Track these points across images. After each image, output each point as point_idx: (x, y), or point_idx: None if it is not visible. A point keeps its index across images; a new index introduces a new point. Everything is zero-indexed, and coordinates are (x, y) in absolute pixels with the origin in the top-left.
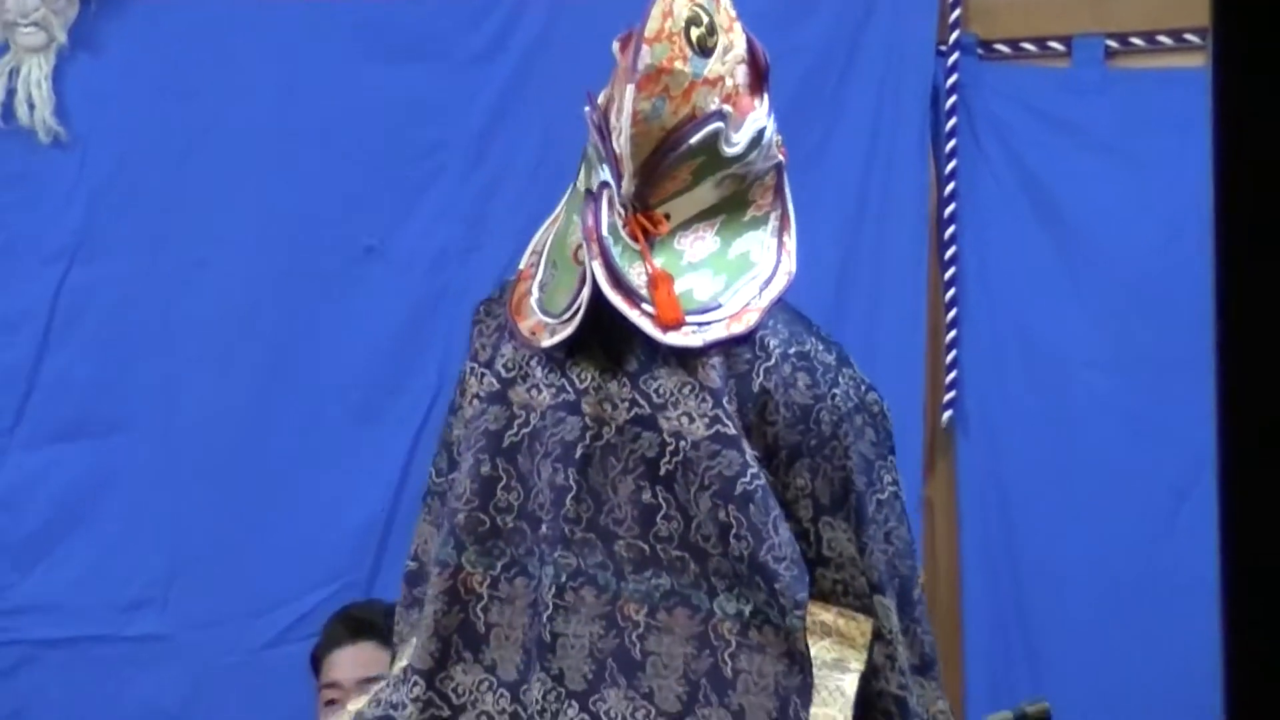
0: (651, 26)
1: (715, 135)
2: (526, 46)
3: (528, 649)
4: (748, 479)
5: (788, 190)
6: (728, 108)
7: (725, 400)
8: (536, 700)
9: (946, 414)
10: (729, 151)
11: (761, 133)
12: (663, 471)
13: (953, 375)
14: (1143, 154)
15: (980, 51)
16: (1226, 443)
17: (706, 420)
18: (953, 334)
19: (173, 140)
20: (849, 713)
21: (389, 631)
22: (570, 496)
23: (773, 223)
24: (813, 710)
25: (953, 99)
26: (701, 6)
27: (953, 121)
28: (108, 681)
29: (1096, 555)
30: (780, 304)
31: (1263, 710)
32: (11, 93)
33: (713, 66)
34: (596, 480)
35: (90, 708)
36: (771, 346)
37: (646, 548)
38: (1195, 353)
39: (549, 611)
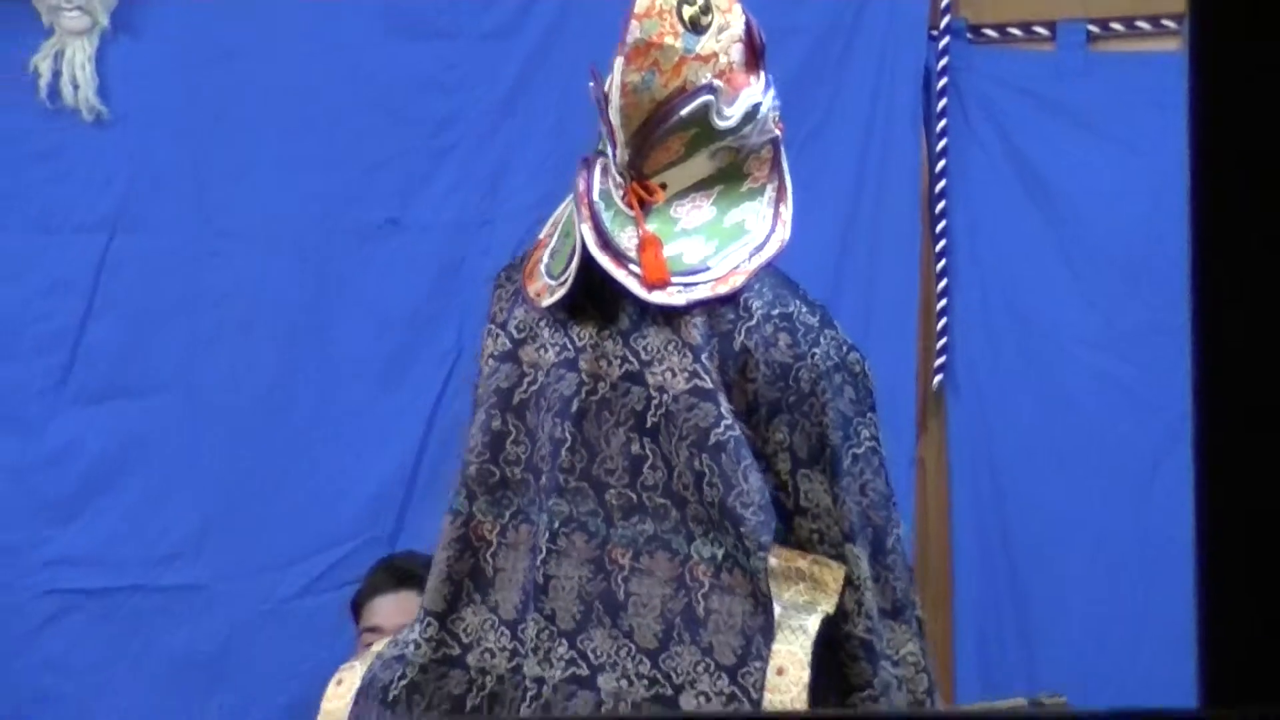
0: (641, 3)
1: (706, 108)
2: (543, 25)
3: (526, 590)
4: (721, 430)
5: (785, 163)
6: (719, 82)
7: (705, 356)
8: (531, 638)
9: (937, 378)
10: (721, 124)
11: (756, 108)
12: (649, 424)
13: (943, 342)
14: (1123, 132)
15: (970, 36)
16: (1202, 410)
17: (686, 375)
18: (943, 303)
19: (206, 118)
20: (809, 648)
21: (420, 583)
22: (565, 448)
23: (769, 193)
24: (775, 647)
25: (944, 80)
26: None
27: (944, 102)
28: (144, 630)
29: (1079, 510)
30: (770, 269)
31: (1235, 655)
32: (57, 74)
33: (705, 43)
34: (591, 433)
35: (128, 654)
36: (755, 308)
37: (634, 496)
38: (1174, 320)
39: (543, 555)
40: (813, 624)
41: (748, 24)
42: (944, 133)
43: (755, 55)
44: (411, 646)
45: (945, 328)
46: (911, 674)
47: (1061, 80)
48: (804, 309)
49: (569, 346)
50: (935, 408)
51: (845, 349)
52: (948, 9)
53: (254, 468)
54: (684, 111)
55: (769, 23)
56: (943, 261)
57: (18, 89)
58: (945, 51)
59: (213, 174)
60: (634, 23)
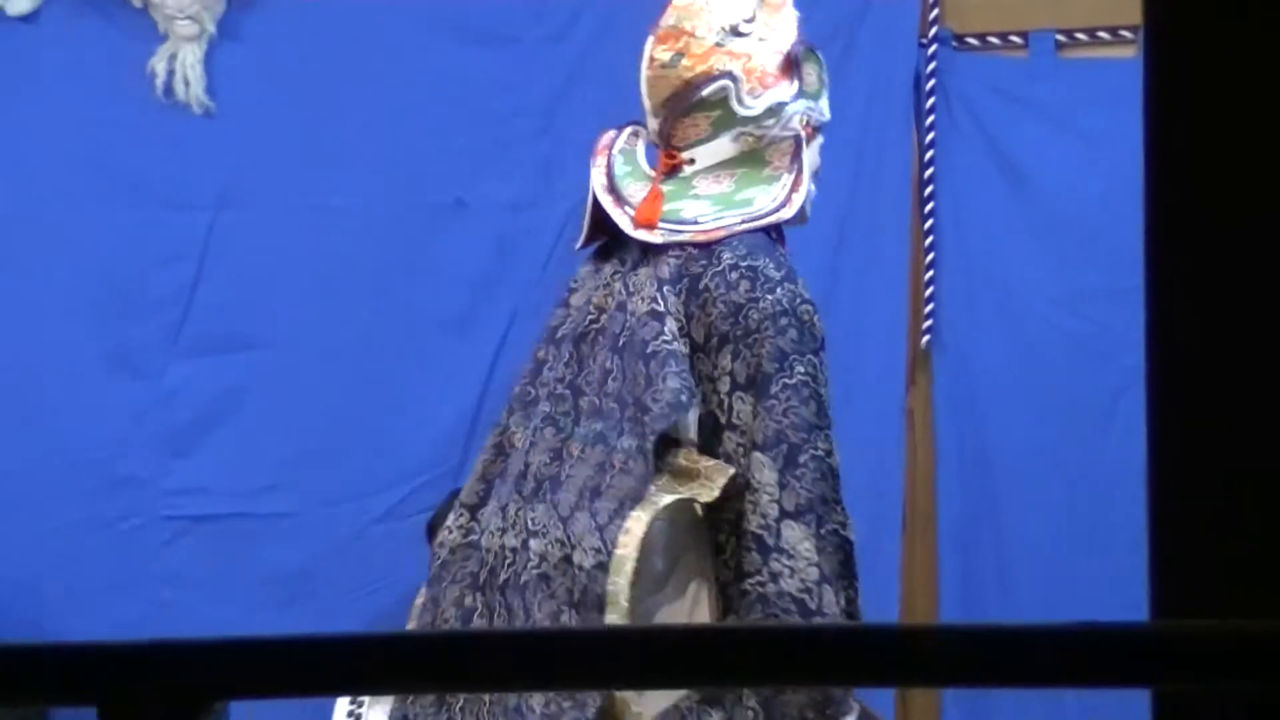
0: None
1: (724, 91)
2: (588, 32)
3: (516, 478)
4: (658, 342)
5: (805, 158)
6: (739, 73)
7: (668, 288)
8: (511, 516)
9: (925, 338)
10: (741, 111)
11: (781, 105)
12: (620, 342)
13: (930, 307)
14: (1086, 126)
15: (954, 43)
16: (1153, 359)
17: (647, 300)
18: (930, 274)
19: (300, 110)
20: (654, 514)
21: None
22: (563, 364)
23: (785, 180)
24: (634, 512)
25: (932, 83)
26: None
27: (931, 101)
28: (246, 550)
29: (1046, 445)
30: (758, 235)
31: (1182, 572)
32: (171, 74)
33: (739, 44)
34: (585, 352)
35: (232, 572)
36: (725, 258)
37: (598, 401)
38: (1126, 283)
39: (527, 447)
40: (666, 499)
41: (787, 37)
42: (932, 127)
43: (791, 65)
44: (446, 533)
45: (931, 295)
46: (803, 566)
47: (1033, 82)
48: (770, 265)
49: (594, 287)
50: (923, 364)
51: (798, 300)
52: (935, 20)
53: (340, 411)
54: (705, 91)
55: None
56: (930, 238)
57: (139, 86)
58: (933, 57)
59: (306, 159)
60: (671, 9)
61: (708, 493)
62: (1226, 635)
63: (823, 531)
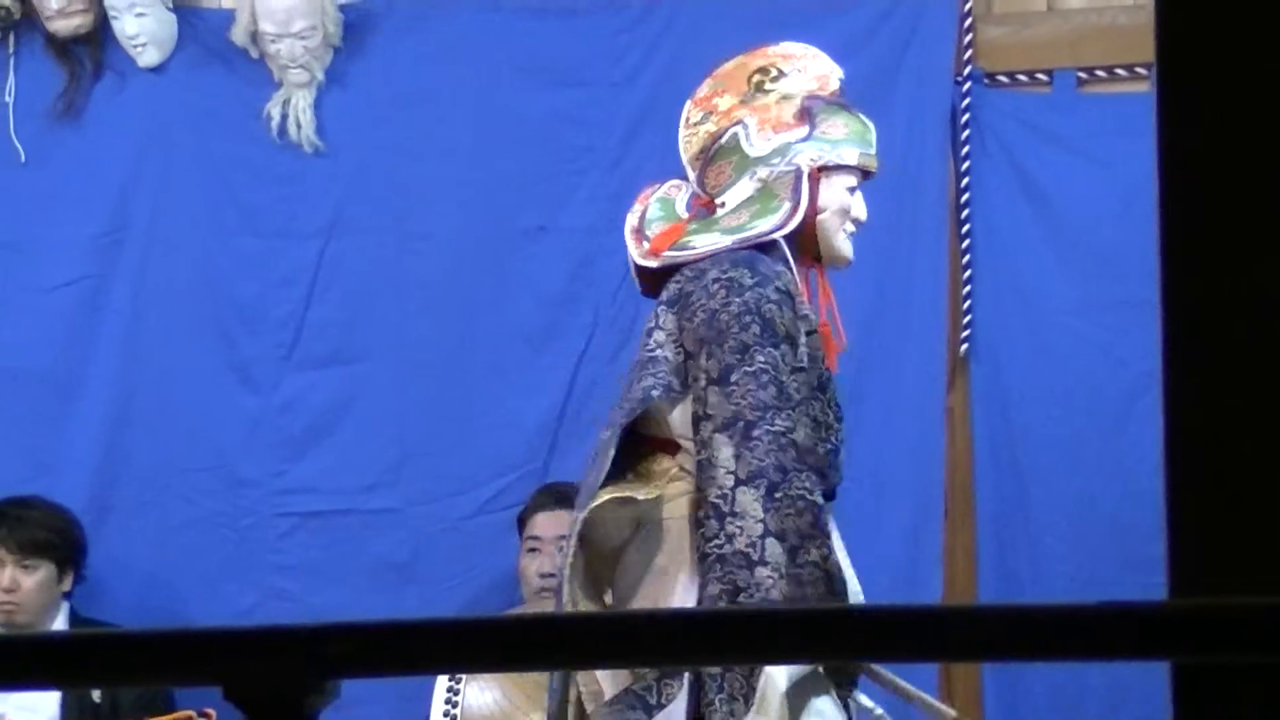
0: (723, 68)
1: (735, 136)
2: (656, 75)
3: None
4: (644, 351)
5: (804, 189)
6: (750, 117)
7: (663, 308)
8: None
9: (963, 346)
10: (750, 152)
11: (788, 145)
12: (632, 362)
13: (967, 318)
14: (1104, 154)
15: (986, 81)
16: (1168, 363)
17: (652, 319)
18: (967, 288)
19: (400, 148)
20: (587, 511)
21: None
22: (623, 382)
23: (785, 206)
24: (580, 514)
25: (966, 116)
26: (778, 63)
27: (966, 133)
28: (353, 543)
29: (1072, 442)
30: (749, 250)
31: (1197, 557)
32: (285, 117)
33: (761, 100)
34: (632, 371)
35: (340, 562)
36: (708, 272)
37: (623, 404)
38: (1141, 295)
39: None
40: (603, 498)
41: (808, 94)
42: (966, 156)
43: (805, 113)
44: None
45: (969, 307)
46: (750, 524)
47: (1057, 115)
48: (746, 274)
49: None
50: (961, 368)
51: (764, 301)
52: (969, 61)
53: (436, 417)
54: (723, 140)
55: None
56: (966, 256)
57: (256, 129)
58: (967, 94)
59: (404, 191)
60: (709, 80)
61: (645, 491)
62: (1238, 612)
63: (780, 495)
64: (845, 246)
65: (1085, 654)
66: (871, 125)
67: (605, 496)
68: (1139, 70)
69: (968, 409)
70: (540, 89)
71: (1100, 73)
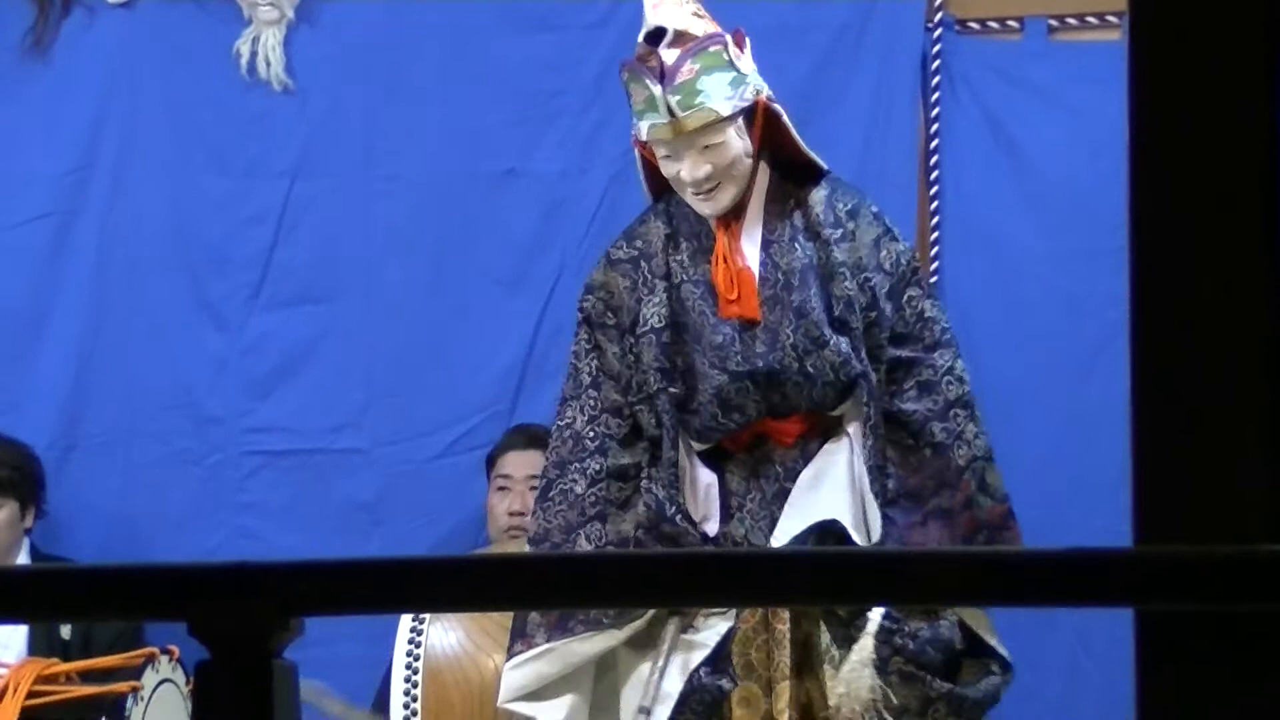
0: None
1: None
2: (627, 19)
3: None
4: None
5: (638, 162)
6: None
7: None
8: None
9: None
10: None
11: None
12: None
13: (935, 265)
14: (1075, 102)
15: (957, 28)
16: (1135, 312)
17: None
18: (935, 235)
19: (369, 88)
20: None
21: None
22: None
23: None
24: None
25: (936, 63)
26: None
27: (936, 79)
28: (320, 483)
29: (1036, 386)
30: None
31: (1160, 496)
32: (254, 55)
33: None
34: None
35: (308, 501)
36: None
37: None
38: (1112, 246)
39: None
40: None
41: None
42: (936, 104)
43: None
44: None
45: (937, 254)
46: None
47: (1028, 63)
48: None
49: None
50: None
51: (581, 292)
52: (940, 7)
53: (404, 359)
54: None
55: (795, 21)
56: (935, 203)
57: (225, 66)
58: (937, 41)
59: (373, 132)
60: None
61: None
62: (1200, 558)
63: (553, 493)
64: (704, 207)
65: (1051, 600)
66: (655, 88)
67: None
68: (1110, 18)
69: None
70: (513, 32)
71: (1072, 20)
